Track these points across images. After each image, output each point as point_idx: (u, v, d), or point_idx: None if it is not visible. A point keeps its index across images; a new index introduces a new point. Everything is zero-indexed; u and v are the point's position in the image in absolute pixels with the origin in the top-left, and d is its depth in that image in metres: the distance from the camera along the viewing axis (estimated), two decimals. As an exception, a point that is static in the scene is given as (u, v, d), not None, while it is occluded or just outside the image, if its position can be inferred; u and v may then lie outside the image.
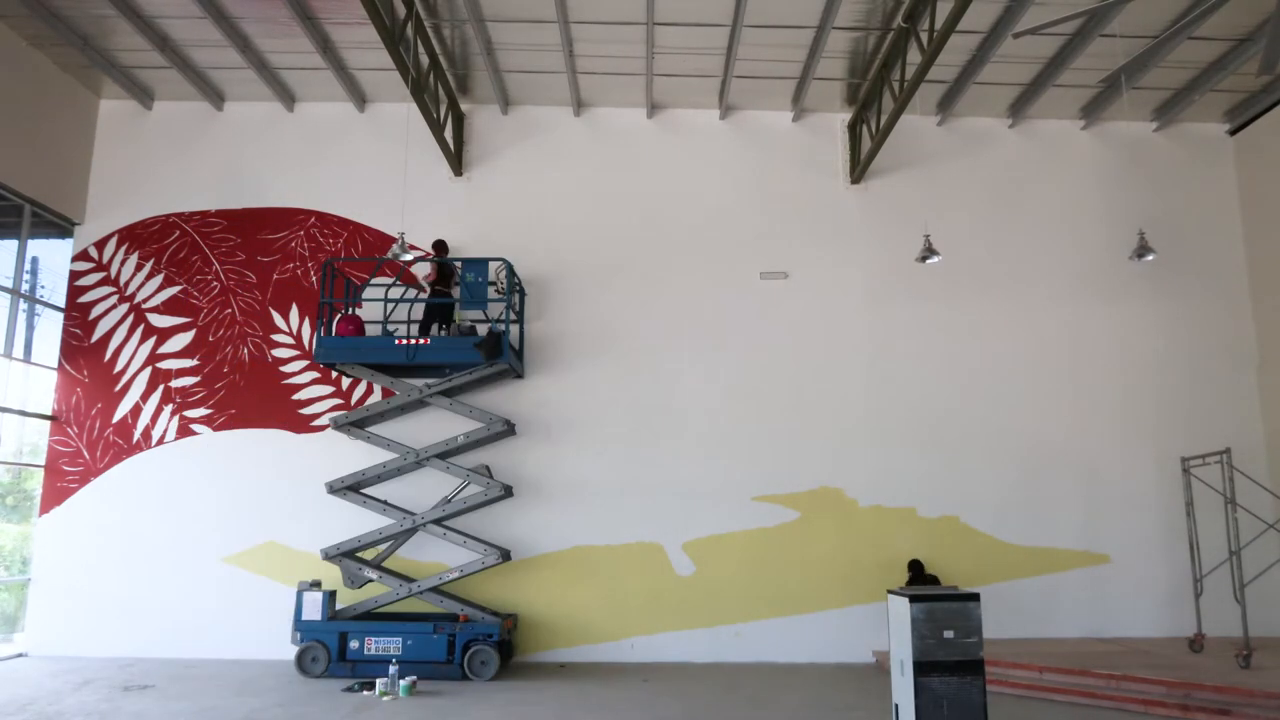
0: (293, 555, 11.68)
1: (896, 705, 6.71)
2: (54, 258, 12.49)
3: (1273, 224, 12.48)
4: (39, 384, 12.16)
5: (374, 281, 12.18)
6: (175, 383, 12.23)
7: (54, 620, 11.57)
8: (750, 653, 11.57)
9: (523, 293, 12.14)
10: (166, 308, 12.43)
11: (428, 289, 11.91)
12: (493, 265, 11.52)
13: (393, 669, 9.52)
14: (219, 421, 12.13)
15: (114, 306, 12.41)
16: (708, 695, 9.54)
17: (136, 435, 12.09)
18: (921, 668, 6.41)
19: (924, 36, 10.18)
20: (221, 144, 12.85)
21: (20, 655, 11.36)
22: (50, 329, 12.35)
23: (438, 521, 11.19)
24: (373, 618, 10.84)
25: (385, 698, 9.28)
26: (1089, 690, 9.06)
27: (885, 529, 11.85)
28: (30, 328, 12.21)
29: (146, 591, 11.64)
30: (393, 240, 12.09)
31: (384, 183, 12.54)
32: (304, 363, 12.27)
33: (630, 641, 11.61)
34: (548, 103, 12.88)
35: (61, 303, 12.41)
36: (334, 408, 12.12)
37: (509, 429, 11.49)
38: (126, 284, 12.47)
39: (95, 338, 12.33)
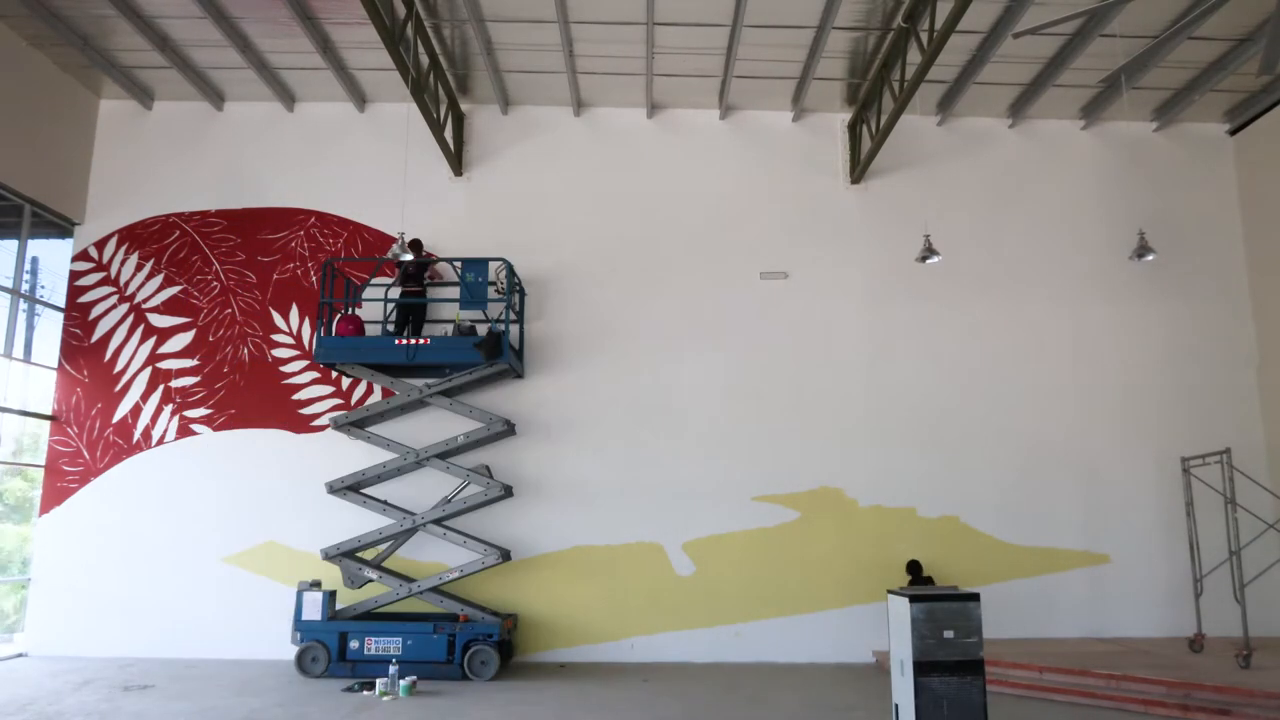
0: (293, 555, 11.68)
1: (896, 705, 6.71)
2: (54, 258, 12.50)
3: (1273, 224, 12.48)
4: (39, 384, 12.16)
5: (374, 281, 12.17)
6: (175, 383, 12.23)
7: (54, 620, 11.57)
8: (750, 653, 11.57)
9: (522, 293, 12.13)
10: (166, 308, 12.43)
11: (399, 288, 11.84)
12: (492, 265, 11.51)
13: (393, 669, 9.52)
14: (219, 421, 12.13)
15: (114, 306, 12.41)
16: (708, 695, 9.54)
17: (136, 435, 12.09)
18: (921, 668, 6.41)
19: (924, 36, 10.18)
20: (221, 144, 12.85)
21: (20, 655, 11.37)
22: (50, 329, 12.35)
23: (438, 521, 11.19)
24: (373, 618, 10.84)
25: (385, 698, 9.28)
26: (1089, 690, 9.06)
27: (885, 529, 11.85)
28: (30, 328, 12.22)
29: (146, 591, 11.64)
30: (393, 240, 12.09)
31: (384, 183, 12.54)
32: (304, 363, 12.27)
33: (630, 641, 11.61)
34: (548, 103, 12.88)
35: (61, 303, 12.41)
36: (334, 408, 12.12)
37: (509, 429, 11.49)
38: (126, 284, 12.47)
39: (95, 338, 12.33)
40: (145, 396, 12.18)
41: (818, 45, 11.23)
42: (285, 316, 12.42)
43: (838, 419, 12.22)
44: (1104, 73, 10.41)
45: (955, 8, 9.11)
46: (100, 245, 12.54)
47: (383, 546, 11.41)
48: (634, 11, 10.69)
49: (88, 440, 12.08)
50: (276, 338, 12.37)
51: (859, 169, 12.58)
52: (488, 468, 11.45)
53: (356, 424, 11.53)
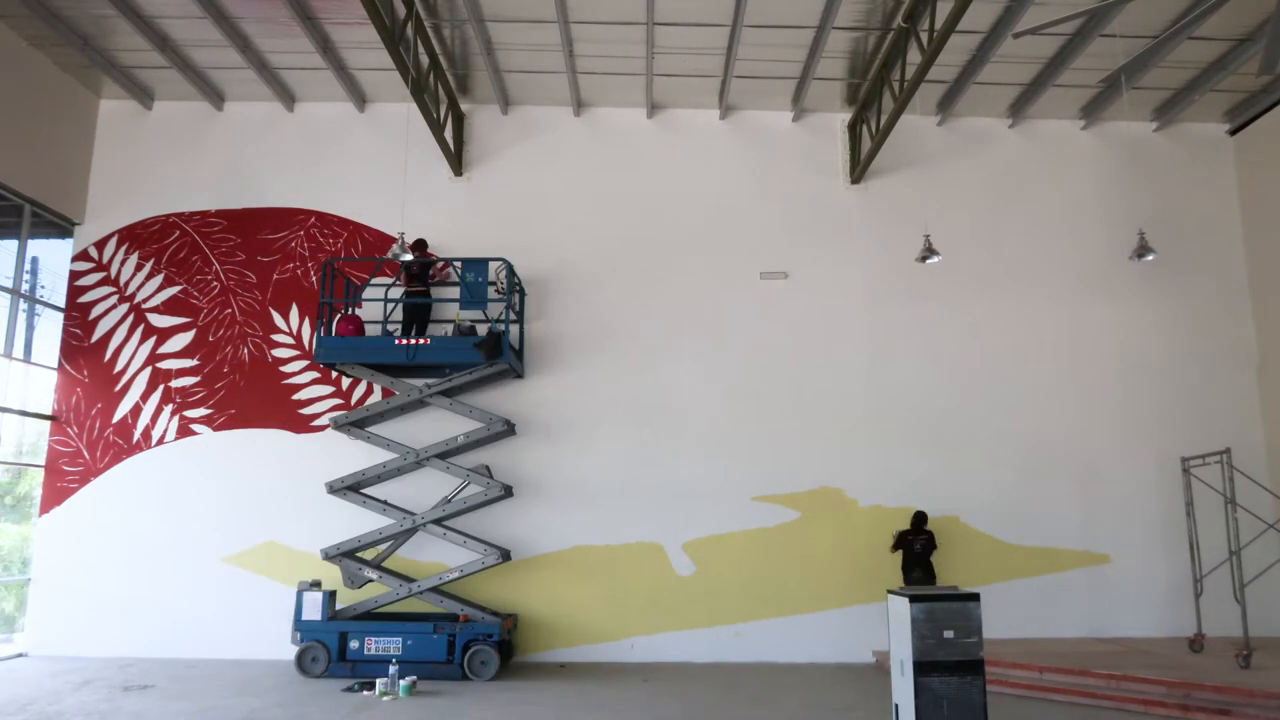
0: (293, 555, 11.68)
1: (896, 705, 6.71)
2: (54, 258, 12.50)
3: (1273, 224, 12.48)
4: (39, 384, 12.16)
5: (374, 281, 12.17)
6: (175, 383, 12.23)
7: (54, 620, 11.57)
8: (750, 653, 11.57)
9: (523, 293, 12.13)
10: (166, 308, 12.43)
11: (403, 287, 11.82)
12: (493, 265, 11.51)
13: (393, 669, 9.52)
14: (219, 421, 12.13)
15: (114, 306, 12.41)
16: (708, 695, 9.54)
17: (136, 435, 12.09)
18: (921, 668, 6.41)
19: (924, 36, 10.18)
20: (221, 144, 12.85)
21: (20, 655, 11.36)
22: (50, 329, 12.35)
23: (438, 521, 11.19)
24: (373, 618, 10.84)
25: (385, 698, 9.28)
26: (1089, 690, 9.06)
27: (885, 529, 11.82)
28: (30, 328, 12.22)
29: (146, 591, 11.63)
30: (393, 240, 12.08)
31: (384, 183, 12.53)
32: (304, 363, 12.27)
33: (630, 641, 11.61)
34: (548, 103, 12.88)
35: (61, 303, 12.41)
36: (334, 408, 12.12)
37: (509, 429, 11.49)
38: (126, 284, 12.47)
39: (95, 338, 12.33)
40: (145, 396, 12.18)
41: (818, 45, 11.23)
42: (285, 316, 12.42)
43: (838, 419, 12.22)
44: (1104, 73, 10.40)
45: (955, 8, 9.11)
46: (100, 245, 12.54)
47: (382, 546, 11.41)
48: (634, 11, 10.68)
49: (88, 440, 12.08)
50: (276, 338, 12.37)
51: (859, 169, 12.58)
52: (488, 467, 11.46)
53: (356, 424, 11.54)
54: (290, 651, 10.79)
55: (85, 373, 12.24)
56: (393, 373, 11.57)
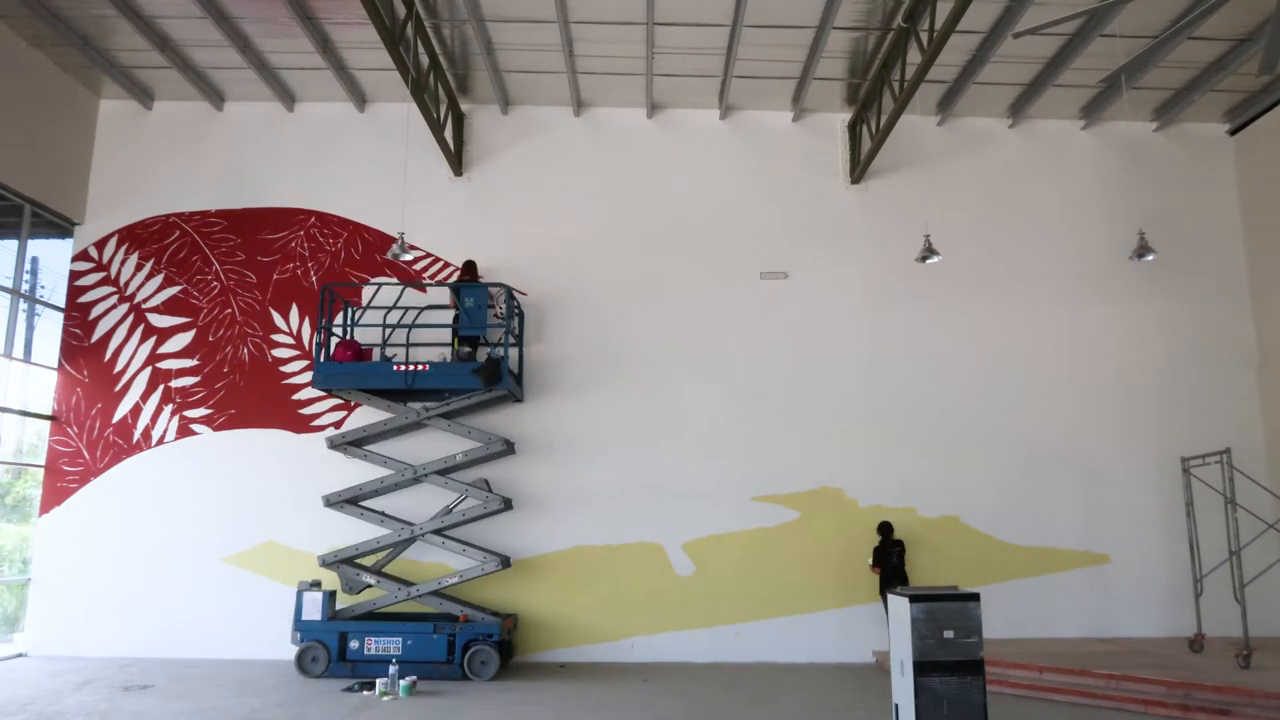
0: (293, 555, 11.68)
1: (896, 705, 6.71)
2: (54, 258, 12.50)
3: (1273, 224, 12.48)
4: (39, 384, 12.15)
5: (374, 280, 12.17)
6: (175, 383, 12.22)
7: (54, 620, 11.56)
8: (750, 653, 11.57)
9: (521, 316, 12.04)
10: (166, 308, 12.43)
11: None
12: (491, 289, 11.36)
13: (393, 669, 9.52)
14: (219, 421, 12.13)
15: (114, 306, 12.41)
16: (708, 695, 9.54)
17: (136, 435, 12.09)
18: (921, 668, 6.41)
19: (924, 36, 10.18)
20: (221, 144, 12.84)
21: (20, 655, 11.36)
22: (50, 329, 12.35)
23: (437, 531, 11.14)
24: (373, 618, 10.83)
25: (385, 698, 9.27)
26: (1089, 690, 9.06)
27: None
28: (30, 328, 12.22)
29: (146, 591, 11.63)
30: (393, 240, 12.07)
31: (384, 183, 12.53)
32: (304, 363, 12.26)
33: (630, 641, 11.60)
34: (548, 103, 12.88)
35: (61, 303, 12.41)
36: (334, 407, 12.12)
37: (508, 448, 11.44)
38: (126, 284, 12.47)
39: (95, 338, 12.33)
40: (145, 396, 12.18)
41: (818, 45, 11.22)
42: (285, 316, 12.42)
43: (838, 419, 12.22)
44: (1104, 73, 10.40)
45: (955, 8, 9.11)
46: (100, 245, 12.53)
47: (381, 554, 11.36)
48: (634, 11, 10.68)
49: (88, 440, 12.08)
50: (276, 338, 12.36)
51: (859, 169, 12.58)
52: (486, 481, 11.40)
53: (354, 443, 11.43)
54: (290, 651, 10.79)
55: (85, 373, 12.23)
56: (391, 397, 11.49)
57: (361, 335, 11.70)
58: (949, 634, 6.44)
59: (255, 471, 11.94)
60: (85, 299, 12.42)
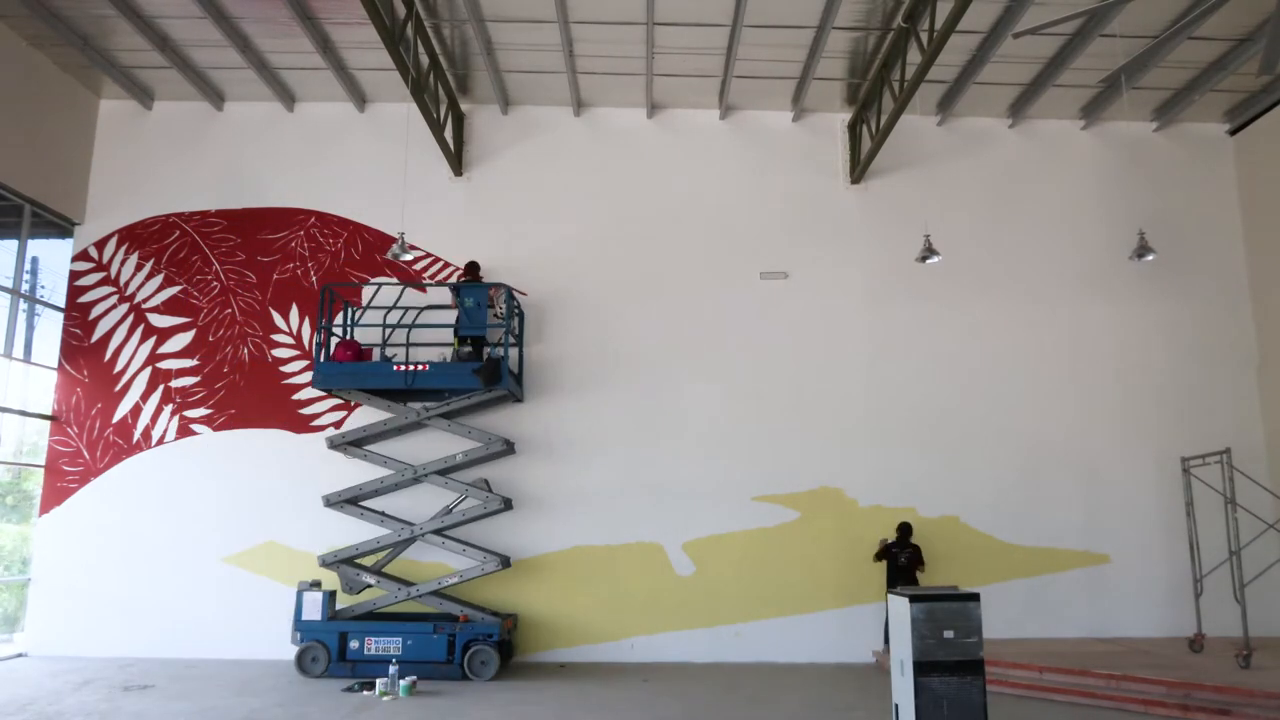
0: (293, 555, 11.68)
1: (896, 705, 6.71)
2: (54, 258, 12.50)
3: (1273, 224, 12.48)
4: (39, 384, 12.15)
5: (374, 280, 12.17)
6: (175, 383, 12.22)
7: (54, 620, 11.56)
8: (750, 653, 11.57)
9: (521, 316, 12.03)
10: (166, 308, 12.43)
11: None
12: (491, 290, 11.39)
13: (393, 669, 9.52)
14: (219, 421, 12.13)
15: (114, 306, 12.41)
16: (708, 695, 9.54)
17: (136, 435, 12.09)
18: (921, 668, 6.41)
19: (924, 36, 10.17)
20: (221, 144, 12.84)
21: (20, 655, 11.36)
22: (50, 329, 12.35)
23: (437, 531, 11.15)
24: (373, 618, 10.83)
25: (385, 698, 9.27)
26: (1089, 690, 9.06)
27: (885, 529, 11.82)
28: (30, 328, 12.22)
29: (146, 591, 11.63)
30: (393, 240, 12.06)
31: (384, 183, 12.52)
32: (304, 363, 12.26)
33: (630, 641, 11.60)
34: (548, 103, 12.88)
35: (61, 303, 12.41)
36: (334, 407, 12.12)
37: (508, 448, 11.44)
38: (126, 284, 12.47)
39: (95, 338, 12.33)
40: (145, 396, 12.18)
41: (818, 45, 11.23)
42: (285, 316, 12.42)
43: (838, 419, 12.22)
44: (1104, 73, 10.40)
45: (955, 8, 9.11)
46: (100, 245, 12.53)
47: (381, 554, 11.37)
48: (634, 11, 10.68)
49: (88, 440, 12.08)
50: (276, 338, 12.36)
51: (859, 169, 12.58)
52: (486, 481, 11.40)
53: (354, 443, 11.43)
54: (290, 651, 10.78)
55: (85, 373, 12.24)
56: (391, 397, 11.49)
57: (361, 335, 11.72)
58: (949, 634, 6.44)
59: (255, 471, 11.94)
60: (85, 299, 12.42)
